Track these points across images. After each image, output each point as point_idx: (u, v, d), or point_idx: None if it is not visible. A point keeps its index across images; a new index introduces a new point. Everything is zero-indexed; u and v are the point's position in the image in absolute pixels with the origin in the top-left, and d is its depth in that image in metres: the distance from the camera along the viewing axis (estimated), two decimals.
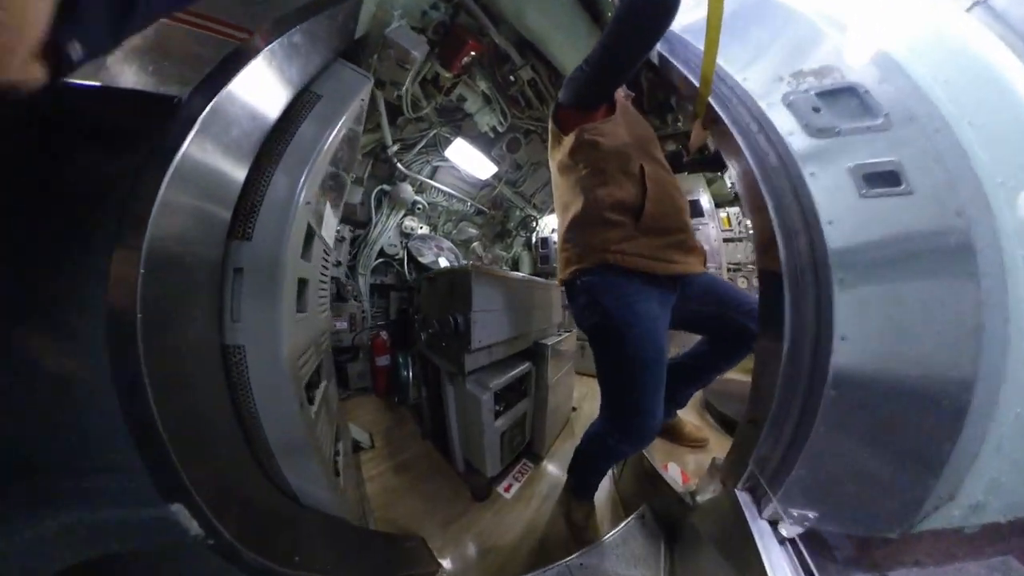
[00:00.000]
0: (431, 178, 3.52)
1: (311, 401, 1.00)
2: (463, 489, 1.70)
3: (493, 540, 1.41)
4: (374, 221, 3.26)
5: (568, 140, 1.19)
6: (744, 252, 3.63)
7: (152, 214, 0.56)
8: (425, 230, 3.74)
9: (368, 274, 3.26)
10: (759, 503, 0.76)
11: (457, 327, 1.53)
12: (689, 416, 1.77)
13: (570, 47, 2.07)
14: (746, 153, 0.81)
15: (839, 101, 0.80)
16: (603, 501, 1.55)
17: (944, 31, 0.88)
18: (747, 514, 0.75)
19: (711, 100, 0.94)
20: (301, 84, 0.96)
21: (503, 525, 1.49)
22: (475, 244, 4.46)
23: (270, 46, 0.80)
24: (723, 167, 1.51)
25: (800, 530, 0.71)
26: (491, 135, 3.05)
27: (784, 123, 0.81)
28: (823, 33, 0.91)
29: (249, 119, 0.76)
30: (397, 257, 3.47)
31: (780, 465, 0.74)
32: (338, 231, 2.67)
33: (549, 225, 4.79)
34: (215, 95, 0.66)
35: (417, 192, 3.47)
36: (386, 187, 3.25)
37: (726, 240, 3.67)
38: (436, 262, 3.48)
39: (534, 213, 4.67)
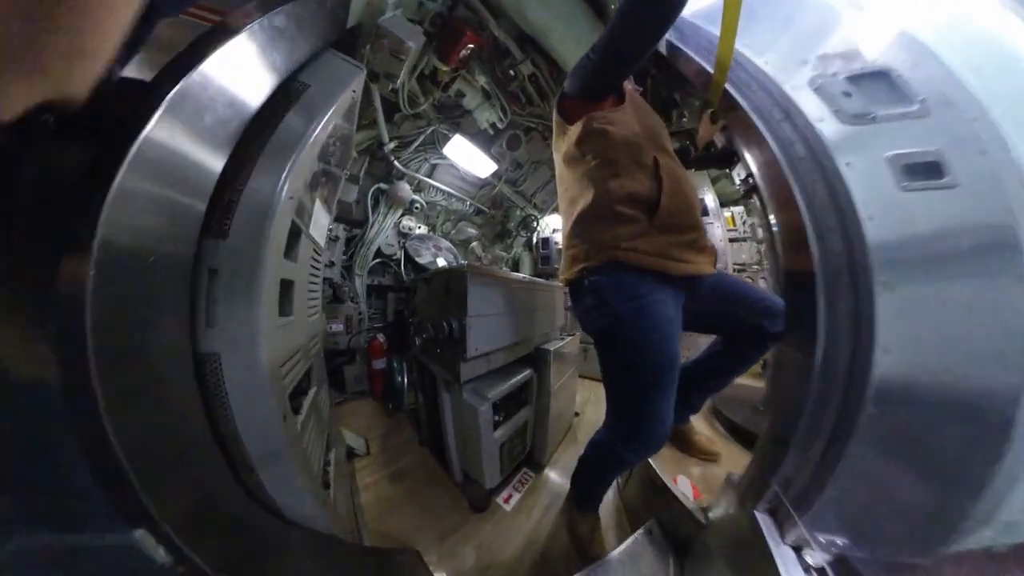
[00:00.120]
0: (429, 176, 3.45)
1: (297, 410, 0.94)
2: (461, 500, 1.63)
3: (492, 554, 1.35)
4: (371, 220, 3.18)
5: (575, 129, 1.11)
6: (749, 252, 3.57)
7: (106, 204, 0.49)
8: (423, 230, 3.67)
9: (365, 275, 3.19)
10: (781, 526, 0.70)
11: (452, 333, 1.43)
12: (697, 423, 1.71)
13: (572, 41, 2.00)
14: (770, 141, 0.75)
15: (870, 86, 0.73)
16: (606, 511, 1.48)
17: (972, 16, 0.81)
18: (768, 538, 0.69)
19: (727, 87, 0.88)
20: (287, 71, 0.90)
21: (503, 538, 1.42)
22: (474, 244, 4.38)
23: (249, 26, 0.74)
24: (731, 164, 1.45)
25: (829, 558, 0.65)
26: (491, 132, 2.98)
27: (813, 108, 0.74)
28: (842, 14, 0.85)
29: (226, 105, 0.70)
30: (395, 257, 3.40)
31: (808, 487, 0.67)
32: (331, 230, 2.60)
33: (550, 225, 4.72)
34: (184, 75, 0.60)
35: (415, 191, 3.40)
36: (383, 185, 3.19)
37: (731, 240, 3.61)
38: (434, 263, 3.41)
39: (535, 213, 4.58)
